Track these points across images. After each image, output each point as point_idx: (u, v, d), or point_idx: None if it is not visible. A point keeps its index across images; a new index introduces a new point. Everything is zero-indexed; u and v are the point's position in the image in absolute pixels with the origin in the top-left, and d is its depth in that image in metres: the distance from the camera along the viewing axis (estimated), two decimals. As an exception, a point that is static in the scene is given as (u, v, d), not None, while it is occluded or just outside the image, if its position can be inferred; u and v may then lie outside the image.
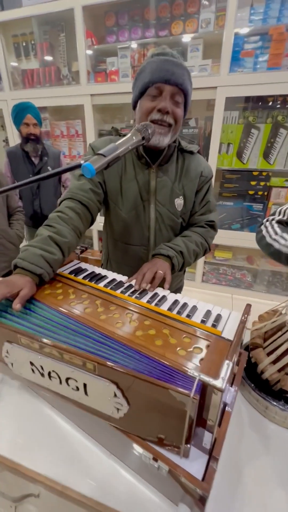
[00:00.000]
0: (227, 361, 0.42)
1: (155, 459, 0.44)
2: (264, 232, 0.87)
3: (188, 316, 0.58)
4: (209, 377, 0.39)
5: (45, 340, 0.47)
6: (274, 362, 0.60)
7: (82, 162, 0.61)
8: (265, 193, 2.08)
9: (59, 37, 2.14)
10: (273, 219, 0.90)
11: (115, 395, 0.44)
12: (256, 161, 2.03)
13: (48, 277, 0.65)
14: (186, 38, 1.88)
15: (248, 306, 0.58)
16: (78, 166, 0.62)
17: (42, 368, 0.50)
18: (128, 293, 0.68)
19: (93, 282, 0.71)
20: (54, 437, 0.60)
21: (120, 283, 0.72)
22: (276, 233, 0.82)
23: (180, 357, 0.45)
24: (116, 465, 0.55)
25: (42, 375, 0.51)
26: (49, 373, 0.50)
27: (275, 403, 0.61)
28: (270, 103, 1.91)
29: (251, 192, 2.10)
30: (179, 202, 0.89)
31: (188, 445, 0.42)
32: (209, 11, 1.78)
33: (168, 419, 0.42)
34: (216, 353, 0.45)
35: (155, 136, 0.76)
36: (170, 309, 0.60)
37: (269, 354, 0.63)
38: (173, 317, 0.57)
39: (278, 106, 1.89)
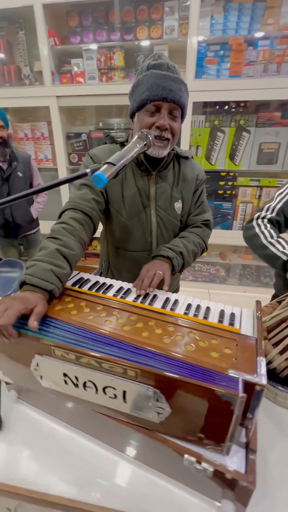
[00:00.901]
0: (260, 358, 0.45)
1: (198, 462, 0.45)
2: (257, 230, 0.94)
3: (205, 317, 0.60)
4: (250, 375, 0.42)
5: (84, 351, 0.46)
6: (281, 352, 0.66)
7: (87, 171, 0.61)
8: (233, 192, 2.22)
9: (17, 34, 2.02)
10: (264, 217, 0.96)
11: (157, 400, 0.44)
12: (223, 163, 2.16)
13: (58, 292, 0.62)
14: (152, 43, 1.92)
15: (258, 302, 0.62)
16: (85, 175, 0.61)
17: (77, 378, 0.49)
18: (140, 300, 0.68)
19: (100, 293, 0.70)
20: (77, 457, 0.58)
21: (128, 291, 0.72)
22: (272, 236, 0.89)
23: (215, 359, 0.47)
24: (149, 475, 0.55)
25: (76, 385, 0.50)
26: (84, 383, 0.49)
27: (284, 390, 0.66)
28: (233, 108, 2.04)
29: (220, 192, 2.23)
30: (178, 205, 0.92)
31: (231, 443, 0.44)
32: (172, 19, 1.84)
33: (211, 419, 0.44)
34: (246, 351, 0.48)
35: (155, 149, 0.79)
36: (186, 313, 0.62)
37: (274, 345, 0.68)
38: (193, 320, 0.58)
39: (241, 111, 2.03)
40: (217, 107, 2.06)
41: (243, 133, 2.06)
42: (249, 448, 0.47)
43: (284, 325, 0.66)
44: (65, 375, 0.50)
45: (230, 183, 2.19)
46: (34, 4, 1.82)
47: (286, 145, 2.03)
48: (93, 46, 1.96)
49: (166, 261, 0.84)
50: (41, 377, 0.54)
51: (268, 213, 0.96)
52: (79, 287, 0.73)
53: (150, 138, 0.71)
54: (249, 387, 0.42)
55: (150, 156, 0.82)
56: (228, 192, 2.22)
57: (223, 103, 2.02)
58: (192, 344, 0.50)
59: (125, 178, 0.88)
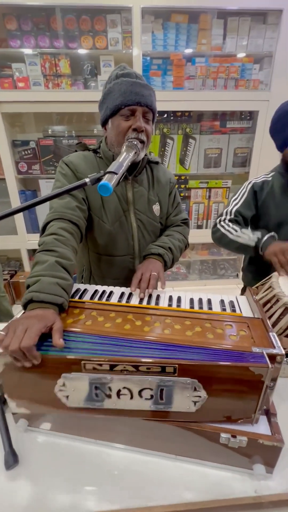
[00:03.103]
0: (272, 333, 0.53)
1: (233, 436, 0.50)
2: (223, 231, 1.05)
3: (209, 308, 0.66)
4: (270, 349, 0.49)
5: (120, 358, 0.46)
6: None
7: (86, 180, 0.61)
8: (186, 194, 2.39)
9: None
10: (224, 219, 1.09)
11: (195, 390, 0.48)
12: (175, 167, 2.31)
13: (67, 305, 0.60)
14: (98, 53, 1.95)
15: (250, 289, 0.71)
16: (84, 184, 0.61)
17: (110, 389, 0.49)
18: (145, 302, 0.70)
19: (104, 300, 0.70)
20: (111, 467, 0.57)
21: (130, 295, 0.73)
22: (236, 231, 1.01)
23: (237, 342, 0.53)
24: (183, 464, 0.58)
25: (109, 396, 0.50)
26: (118, 392, 0.49)
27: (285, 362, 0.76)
28: (180, 117, 2.20)
29: (174, 195, 2.37)
30: (156, 208, 0.97)
31: (260, 412, 0.51)
32: (115, 31, 1.90)
33: (243, 394, 0.49)
34: (258, 330, 0.56)
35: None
36: (192, 307, 0.67)
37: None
38: (203, 312, 0.64)
39: (186, 119, 2.21)
40: (165, 115, 2.19)
41: (189, 140, 2.24)
42: (270, 413, 0.55)
43: (268, 305, 0.76)
44: (96, 388, 0.50)
45: (182, 186, 2.35)
46: None
47: (227, 151, 2.29)
48: (36, 52, 1.89)
49: (158, 259, 0.88)
50: (67, 397, 0.52)
51: (227, 216, 1.09)
52: (80, 298, 0.72)
53: (139, 147, 0.74)
54: (270, 359, 0.49)
55: None
56: (182, 194, 2.38)
57: (171, 112, 2.17)
58: (211, 333, 0.55)
59: None
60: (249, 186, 1.09)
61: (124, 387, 0.49)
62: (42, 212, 2.30)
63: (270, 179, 1.08)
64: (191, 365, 0.46)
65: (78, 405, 0.52)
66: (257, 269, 1.18)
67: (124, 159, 0.66)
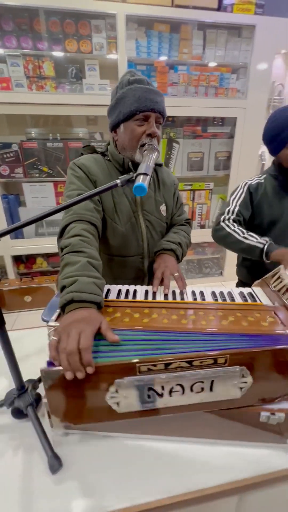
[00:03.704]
0: (299, 316, 0.59)
1: (272, 414, 0.55)
2: (229, 230, 1.11)
3: (232, 299, 0.71)
4: (302, 329, 0.54)
5: (173, 357, 0.48)
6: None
7: (117, 182, 0.62)
8: (172, 197, 2.46)
9: None
10: (229, 219, 1.15)
11: (243, 376, 0.51)
12: (160, 171, 2.37)
13: (103, 303, 0.61)
14: (83, 57, 1.95)
15: (264, 280, 0.77)
16: (115, 186, 0.62)
17: (163, 388, 0.50)
18: (170, 298, 0.73)
19: (130, 298, 0.72)
20: (156, 459, 0.59)
21: (154, 292, 0.76)
22: (243, 232, 1.08)
23: (269, 327, 0.57)
24: (222, 448, 0.61)
25: (161, 395, 0.51)
26: (170, 390, 0.51)
27: None
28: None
29: (160, 197, 2.43)
30: (163, 208, 1.01)
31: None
32: (100, 37, 1.92)
33: (281, 374, 0.54)
34: (284, 315, 0.61)
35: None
36: (215, 299, 0.71)
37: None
38: (229, 303, 0.68)
39: (170, 124, 2.29)
40: (150, 120, 2.24)
41: (173, 144, 2.31)
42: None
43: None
44: (149, 389, 0.50)
45: (168, 188, 2.42)
46: None
47: (208, 154, 2.40)
48: (19, 52, 1.84)
49: (170, 254, 0.92)
50: (117, 403, 0.52)
51: (230, 215, 1.16)
52: (105, 297, 0.72)
53: (159, 149, 0.78)
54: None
55: (135, 164, 0.88)
56: (167, 196, 2.44)
57: (155, 117, 2.22)
58: (245, 321, 0.60)
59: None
60: (245, 187, 1.17)
61: (177, 384, 0.50)
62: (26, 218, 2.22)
63: (262, 181, 1.16)
64: (240, 353, 0.50)
65: (129, 410, 0.52)
66: (251, 264, 1.26)
67: (151, 161, 0.68)
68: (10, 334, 0.93)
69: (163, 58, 2.04)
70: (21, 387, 0.66)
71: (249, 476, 0.56)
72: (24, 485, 0.55)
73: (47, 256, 2.46)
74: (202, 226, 2.60)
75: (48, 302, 1.37)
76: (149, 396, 0.51)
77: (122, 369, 0.48)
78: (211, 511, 0.59)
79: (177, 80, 2.10)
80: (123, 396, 0.50)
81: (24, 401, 0.64)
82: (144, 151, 0.77)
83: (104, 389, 0.50)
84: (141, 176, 0.61)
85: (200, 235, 2.42)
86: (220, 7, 1.97)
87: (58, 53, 1.91)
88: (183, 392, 0.51)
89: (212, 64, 2.14)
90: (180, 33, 2.02)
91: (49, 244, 2.25)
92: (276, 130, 1.03)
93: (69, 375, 0.46)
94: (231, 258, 2.67)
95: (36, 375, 0.72)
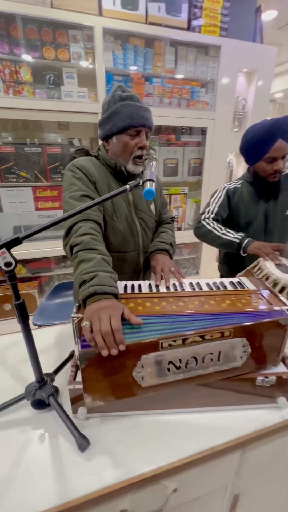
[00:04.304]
0: (282, 297, 0.72)
1: (266, 377, 0.67)
2: (209, 227, 1.25)
3: (225, 287, 0.83)
4: (285, 306, 0.67)
5: (189, 332, 0.57)
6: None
7: (127, 187, 0.70)
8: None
9: None
10: (208, 217, 1.29)
11: (244, 346, 0.62)
12: (138, 176, 2.47)
13: (119, 295, 0.68)
14: (61, 65, 1.99)
15: (247, 271, 0.90)
16: (124, 190, 0.70)
17: (180, 361, 0.59)
18: (172, 289, 0.83)
19: (136, 291, 0.80)
20: (169, 430, 0.67)
21: (157, 286, 0.85)
22: (221, 229, 1.21)
23: (260, 306, 0.69)
24: (225, 413, 0.71)
25: (178, 368, 0.60)
26: (186, 363, 0.60)
27: None
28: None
29: (139, 201, 2.53)
30: (153, 207, 1.10)
31: (282, 354, 0.68)
32: (78, 47, 1.98)
33: (272, 342, 0.66)
34: (271, 297, 0.74)
35: (136, 167, 0.96)
36: (211, 288, 0.82)
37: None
38: (224, 290, 0.79)
39: (146, 133, 2.41)
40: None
41: (150, 151, 2.44)
42: (284, 358, 0.73)
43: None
44: (169, 363, 0.59)
45: (146, 193, 2.53)
46: None
47: (182, 161, 2.57)
48: (-6, 57, 1.83)
49: (164, 253, 1.02)
50: (142, 378, 0.59)
51: (210, 214, 1.30)
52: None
53: (155, 156, 0.87)
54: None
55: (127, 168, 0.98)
56: (146, 200, 2.56)
57: (132, 125, 2.33)
58: (240, 303, 0.71)
59: (111, 187, 0.99)
60: (224, 191, 1.31)
61: (192, 357, 0.60)
62: (4, 223, 2.18)
63: (239, 186, 1.32)
64: (241, 327, 0.60)
65: (152, 383, 0.60)
66: (231, 261, 1.41)
67: (153, 168, 0.78)
68: (11, 336, 0.98)
69: (139, 70, 2.16)
70: (41, 379, 0.70)
71: (248, 433, 0.67)
72: (57, 467, 0.60)
73: (26, 262, 2.42)
74: (179, 229, 2.75)
75: (30, 309, 1.39)
76: (168, 370, 0.60)
77: (147, 346, 0.56)
78: (219, 466, 0.68)
79: (152, 91, 2.24)
80: (147, 371, 0.58)
81: (45, 391, 0.69)
82: (145, 160, 0.86)
83: (132, 366, 0.57)
84: (149, 182, 0.70)
85: (177, 236, 2.53)
86: (189, 27, 2.15)
87: (38, 60, 1.92)
88: (196, 363, 0.61)
89: (183, 77, 2.31)
90: (154, 48, 2.16)
91: (28, 250, 2.22)
92: (253, 146, 1.18)
93: (105, 353, 0.53)
94: (207, 258, 2.86)
95: (44, 371, 0.76)
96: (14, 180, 2.14)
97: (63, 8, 1.82)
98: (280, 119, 1.13)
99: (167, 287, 0.84)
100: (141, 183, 0.71)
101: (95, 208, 0.87)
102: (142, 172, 1.02)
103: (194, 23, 2.14)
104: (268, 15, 2.65)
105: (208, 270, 2.92)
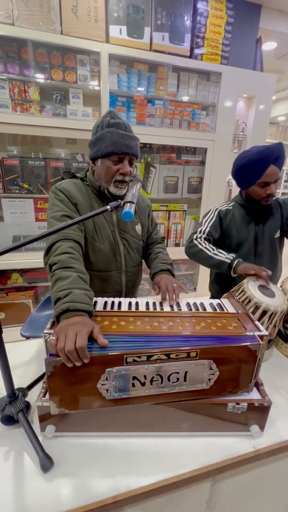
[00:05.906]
0: (256, 322, 0.72)
1: (237, 403, 0.66)
2: (201, 247, 1.26)
3: (204, 309, 0.83)
4: (258, 331, 0.67)
5: (154, 350, 0.58)
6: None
7: (108, 207, 0.73)
8: (149, 216, 2.62)
9: None
10: (200, 237, 1.30)
11: (211, 368, 0.62)
12: (138, 192, 2.53)
13: (94, 313, 0.69)
14: (67, 86, 2.09)
15: (230, 293, 0.91)
16: (105, 210, 0.73)
17: (145, 377, 0.59)
18: (151, 308, 0.83)
19: (116, 309, 0.81)
20: (137, 452, 0.66)
21: (137, 303, 0.85)
22: (213, 249, 1.23)
23: (234, 330, 0.69)
24: (196, 438, 0.70)
25: (143, 384, 0.60)
26: (151, 379, 0.60)
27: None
28: (142, 148, 2.46)
29: (138, 216, 2.57)
30: (138, 228, 1.13)
31: (255, 381, 0.67)
32: (84, 70, 2.09)
33: (243, 367, 0.65)
34: (245, 321, 0.74)
35: (118, 190, 0.98)
36: (190, 309, 0.83)
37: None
38: (201, 312, 0.80)
39: (148, 150, 2.48)
40: (129, 146, 2.42)
41: (150, 168, 2.50)
42: (258, 384, 0.72)
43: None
44: (134, 378, 0.60)
45: (145, 208, 2.58)
46: None
47: (182, 179, 2.63)
48: (5, 76, 1.94)
49: (167, 273, 1.05)
50: (107, 390, 0.60)
51: (202, 234, 1.31)
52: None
53: (141, 179, 0.90)
54: (260, 338, 0.67)
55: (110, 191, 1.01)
56: (145, 216, 2.60)
57: (133, 143, 2.41)
58: (214, 326, 0.71)
59: (93, 208, 1.01)
60: (216, 212, 1.33)
61: (157, 374, 0.60)
62: (4, 233, 2.23)
63: (231, 208, 1.34)
64: (208, 349, 0.61)
65: (116, 396, 0.61)
66: (222, 281, 1.41)
67: (135, 190, 0.80)
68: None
69: (142, 92, 2.26)
70: (12, 394, 0.70)
71: (218, 461, 0.66)
72: (17, 486, 0.59)
73: (23, 271, 2.45)
74: (177, 244, 2.78)
75: (23, 319, 1.39)
76: (133, 385, 0.60)
77: (112, 360, 0.58)
78: (189, 495, 0.66)
79: (154, 113, 2.32)
80: (111, 384, 0.59)
81: (15, 407, 0.69)
82: (130, 181, 0.89)
83: (96, 378, 0.58)
84: (128, 204, 0.72)
85: (175, 252, 2.58)
86: (191, 55, 2.26)
87: (45, 82, 2.03)
88: (162, 382, 0.61)
89: (185, 100, 2.40)
90: (157, 73, 2.27)
91: (25, 260, 2.25)
92: (246, 172, 1.21)
93: (69, 364, 0.54)
94: (204, 275, 2.85)
95: (21, 386, 0.76)
96: (17, 191, 2.21)
97: (73, 35, 1.94)
98: (272, 146, 1.16)
99: (171, 306, 0.85)
100: (121, 204, 0.73)
101: (75, 227, 0.89)
102: (125, 194, 1.06)
103: (196, 51, 2.25)
104: (268, 46, 2.77)
105: (205, 287, 2.89)
